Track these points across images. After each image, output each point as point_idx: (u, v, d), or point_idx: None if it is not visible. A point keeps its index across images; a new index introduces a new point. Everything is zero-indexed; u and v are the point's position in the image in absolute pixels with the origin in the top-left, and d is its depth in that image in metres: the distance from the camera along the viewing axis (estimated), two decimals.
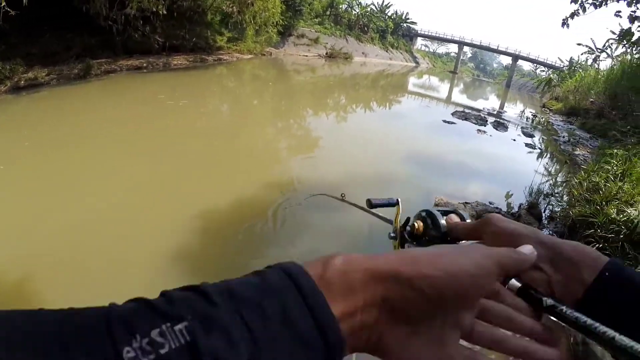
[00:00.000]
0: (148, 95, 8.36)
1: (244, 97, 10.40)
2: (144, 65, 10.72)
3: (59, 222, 3.14)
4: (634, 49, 11.87)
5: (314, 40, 25.31)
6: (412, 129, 8.90)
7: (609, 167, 5.24)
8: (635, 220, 3.38)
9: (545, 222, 4.44)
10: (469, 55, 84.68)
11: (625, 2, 8.31)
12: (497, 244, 0.30)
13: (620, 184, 4.39)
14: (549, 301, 0.27)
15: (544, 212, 4.63)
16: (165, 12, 10.58)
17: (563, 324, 0.26)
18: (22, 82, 7.32)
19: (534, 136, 9.95)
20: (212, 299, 0.19)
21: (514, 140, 9.09)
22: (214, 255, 3.02)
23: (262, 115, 8.68)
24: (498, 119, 11.62)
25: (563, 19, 9.45)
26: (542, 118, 14.13)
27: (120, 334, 0.16)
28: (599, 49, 20.54)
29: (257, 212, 3.63)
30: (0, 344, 0.15)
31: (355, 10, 33.46)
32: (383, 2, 37.31)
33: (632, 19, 8.57)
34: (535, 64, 38.37)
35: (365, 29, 34.25)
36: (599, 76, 15.50)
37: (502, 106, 17.81)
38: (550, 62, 34.38)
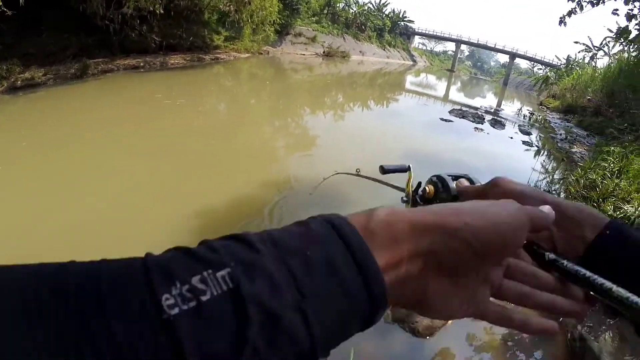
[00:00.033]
0: (145, 94, 8.33)
1: (241, 96, 10.38)
2: (141, 64, 10.68)
3: (58, 222, 3.14)
4: (631, 47, 11.92)
5: (312, 38, 25.28)
6: (409, 127, 8.88)
7: (606, 165, 5.26)
8: (632, 217, 3.41)
9: None
10: (467, 53, 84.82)
11: (622, 0, 8.35)
12: None
13: (617, 181, 4.42)
14: (550, 256, 0.28)
15: None
16: (162, 11, 10.52)
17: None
18: (19, 82, 7.28)
19: (531, 134, 9.95)
20: (256, 246, 0.19)
21: (511, 138, 9.09)
22: None
23: (260, 114, 8.67)
24: (495, 117, 11.60)
25: (560, 17, 9.50)
26: (539, 116, 14.13)
27: (158, 281, 0.16)
28: (596, 47, 20.64)
29: (254, 210, 3.63)
30: (25, 299, 0.14)
31: (352, 9, 33.44)
32: (380, 0, 37.30)
33: (630, 17, 8.62)
34: (532, 62, 38.47)
35: (363, 27, 34.23)
36: (596, 74, 15.52)
37: (499, 104, 17.80)
38: (547, 60, 34.52)
